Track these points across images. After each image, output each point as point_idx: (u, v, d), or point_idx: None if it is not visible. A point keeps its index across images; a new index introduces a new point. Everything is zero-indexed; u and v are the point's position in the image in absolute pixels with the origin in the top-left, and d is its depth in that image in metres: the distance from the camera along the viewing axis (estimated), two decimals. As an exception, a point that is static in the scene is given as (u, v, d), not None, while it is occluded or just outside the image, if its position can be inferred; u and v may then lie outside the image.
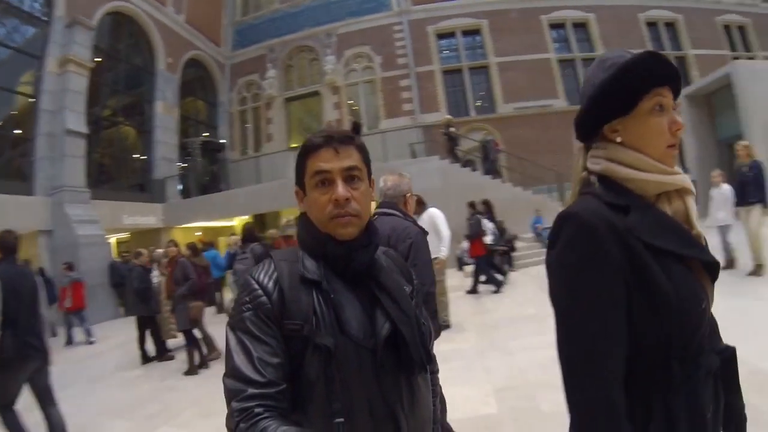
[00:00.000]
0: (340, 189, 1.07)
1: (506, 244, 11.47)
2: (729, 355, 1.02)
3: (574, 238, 0.94)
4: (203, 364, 6.50)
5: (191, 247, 8.23)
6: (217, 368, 6.07)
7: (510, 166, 18.08)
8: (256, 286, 1.03)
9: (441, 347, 5.37)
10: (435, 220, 6.38)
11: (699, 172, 15.25)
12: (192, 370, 6.29)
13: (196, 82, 21.83)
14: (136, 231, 16.98)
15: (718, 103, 15.49)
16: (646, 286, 0.91)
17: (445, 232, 6.38)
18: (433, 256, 5.91)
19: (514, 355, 5.11)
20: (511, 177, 17.02)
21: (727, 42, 24.22)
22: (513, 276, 10.56)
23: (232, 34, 23.47)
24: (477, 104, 20.70)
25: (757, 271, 6.86)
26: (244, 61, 22.98)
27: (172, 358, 7.31)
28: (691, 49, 23.04)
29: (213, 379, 5.65)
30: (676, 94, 1.02)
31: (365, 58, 21.22)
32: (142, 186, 18.06)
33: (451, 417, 3.16)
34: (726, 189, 7.52)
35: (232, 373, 0.96)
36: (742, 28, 24.91)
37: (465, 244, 10.79)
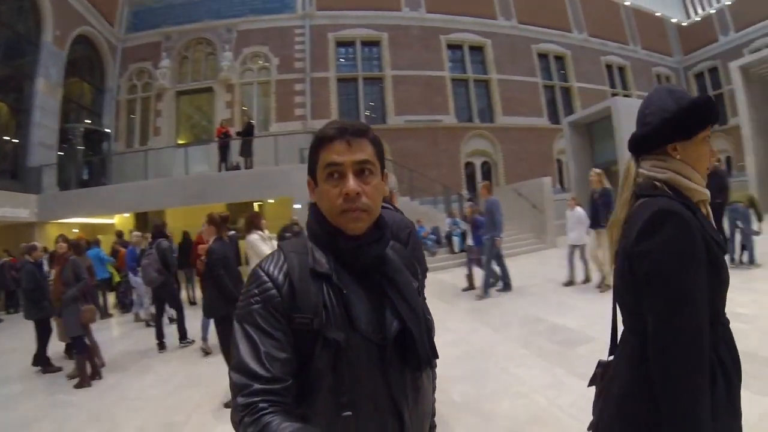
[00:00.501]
0: (351, 183, 1.07)
1: None
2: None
3: (680, 230, 1.15)
4: (96, 374, 5.85)
5: (74, 244, 7.31)
6: (113, 379, 5.74)
7: (398, 176, 18.50)
8: (266, 278, 1.02)
9: None
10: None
11: (578, 192, 16.48)
12: (84, 382, 5.61)
13: (84, 62, 19.96)
14: (4, 225, 14.75)
15: (597, 132, 17.13)
16: (716, 268, 1.18)
17: None
18: None
19: None
20: (398, 188, 17.31)
21: (608, 79, 26.65)
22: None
23: (127, 15, 21.90)
24: (367, 113, 21.16)
25: (603, 287, 7.57)
26: (138, 46, 21.56)
27: (59, 369, 6.42)
28: (576, 82, 25.07)
29: (110, 392, 5.29)
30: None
31: (262, 58, 20.94)
32: (13, 173, 16.02)
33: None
34: (579, 211, 8.36)
35: (238, 367, 0.95)
36: (621, 69, 27.64)
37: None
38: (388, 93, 21.16)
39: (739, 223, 7.84)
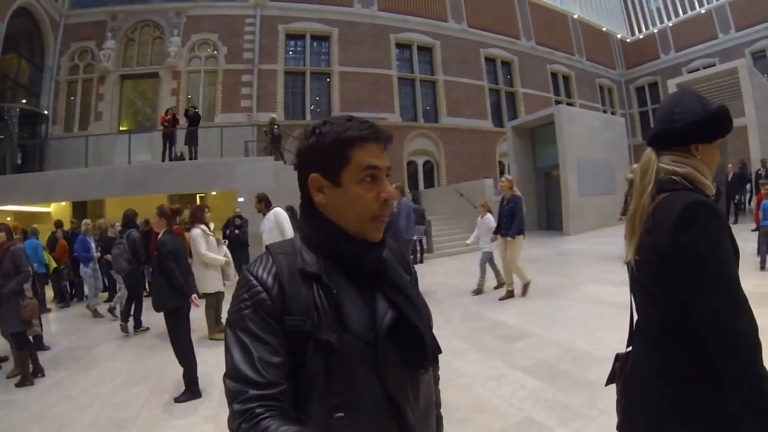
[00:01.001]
0: (390, 188, 1.08)
1: None
2: None
3: (714, 220, 1.26)
4: (38, 371, 5.53)
5: (5, 229, 6.38)
6: (56, 376, 5.50)
7: None
8: (255, 282, 1.01)
9: None
10: (280, 219, 6.63)
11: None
12: (26, 380, 5.31)
13: (23, 36, 18.95)
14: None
15: (540, 137, 17.87)
16: (736, 255, 1.29)
17: (290, 232, 6.58)
18: None
19: None
20: None
21: (553, 87, 27.94)
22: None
23: (72, -11, 20.82)
24: (312, 108, 21.37)
25: (506, 296, 7.61)
26: (82, 23, 20.53)
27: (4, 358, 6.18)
28: (521, 87, 26.17)
29: (55, 390, 5.04)
30: None
31: (211, 46, 20.71)
32: (-63, 154, 15.18)
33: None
34: (489, 218, 8.40)
35: (232, 373, 0.95)
36: (566, 78, 29.02)
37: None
38: (334, 89, 21.35)
39: None
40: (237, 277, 7.11)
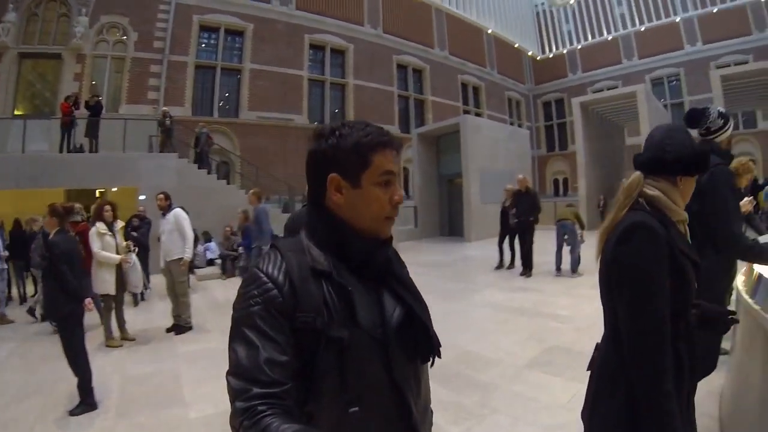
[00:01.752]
0: (402, 192, 1.16)
1: (234, 249, 11.99)
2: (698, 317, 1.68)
3: (650, 240, 1.43)
4: None
5: None
6: None
7: (244, 173, 18.67)
8: (266, 279, 1.03)
9: (187, 348, 5.68)
10: (180, 220, 6.58)
11: (420, 200, 18.95)
12: None
13: None
14: None
15: (444, 145, 18.85)
16: (678, 272, 1.44)
17: (190, 233, 6.65)
18: (177, 257, 6.54)
19: None
20: (243, 184, 17.28)
21: (462, 96, 29.92)
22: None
23: (-31, -48, 19.30)
24: (221, 104, 21.50)
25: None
26: None
27: None
28: (431, 95, 27.82)
29: None
30: None
31: (120, 30, 19.70)
32: None
33: (210, 413, 3.90)
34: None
35: (236, 371, 0.95)
36: (476, 89, 31.18)
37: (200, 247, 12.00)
38: (244, 86, 21.42)
39: (566, 237, 8.97)
40: (142, 286, 7.24)
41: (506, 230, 10.29)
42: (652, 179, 1.60)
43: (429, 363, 1.19)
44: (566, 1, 34.54)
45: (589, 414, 1.58)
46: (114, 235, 6.30)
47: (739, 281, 2.98)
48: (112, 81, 19.75)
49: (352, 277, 1.09)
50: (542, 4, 35.04)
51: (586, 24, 34.74)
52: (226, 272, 11.74)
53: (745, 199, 3.79)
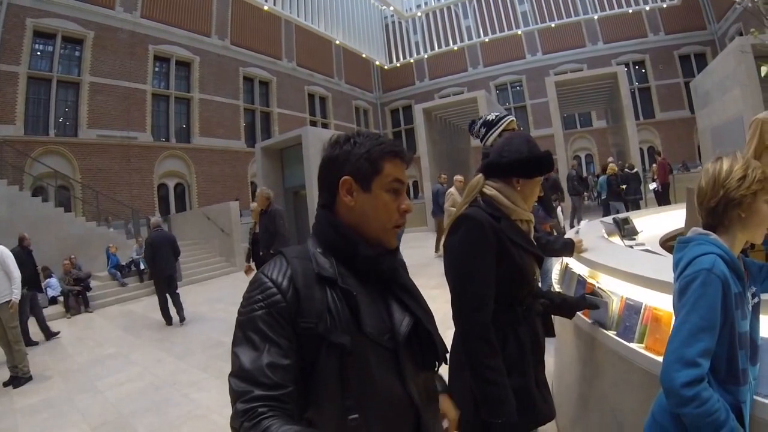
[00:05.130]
0: (409, 201, 1.31)
1: (78, 283, 11.94)
2: (546, 306, 2.12)
3: (473, 230, 1.81)
4: None
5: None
6: None
7: (85, 198, 18.55)
8: (270, 284, 1.13)
9: (26, 401, 5.68)
10: (4, 258, 6.27)
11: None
12: None
13: None
14: None
15: (288, 158, 19.41)
16: (508, 261, 1.83)
17: (17, 273, 6.33)
18: (3, 300, 6.17)
19: (104, 393, 5.68)
20: (85, 210, 17.53)
21: (309, 107, 33.00)
22: (90, 317, 11.20)
23: None
24: (60, 120, 20.59)
25: None
26: None
27: None
28: (278, 107, 30.37)
29: None
30: None
31: None
32: None
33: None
34: None
35: (238, 373, 1.04)
36: (323, 99, 34.71)
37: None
38: (83, 102, 20.69)
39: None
40: None
41: None
42: (493, 181, 1.99)
43: (437, 370, 1.35)
44: (414, 14, 38.70)
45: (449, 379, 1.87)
46: None
47: (555, 271, 3.72)
48: None
49: (358, 285, 1.21)
50: (391, 16, 38.87)
51: (434, 35, 39.30)
52: (71, 309, 11.55)
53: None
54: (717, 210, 1.49)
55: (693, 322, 1.34)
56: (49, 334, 9.04)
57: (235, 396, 1.02)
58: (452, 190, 9.78)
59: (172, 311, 9.22)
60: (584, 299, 2.33)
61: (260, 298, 1.12)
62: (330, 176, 1.28)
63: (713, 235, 1.49)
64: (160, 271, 9.22)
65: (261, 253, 7.36)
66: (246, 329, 1.09)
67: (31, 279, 8.25)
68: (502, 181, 1.99)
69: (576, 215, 14.32)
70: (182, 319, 9.12)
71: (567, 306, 2.28)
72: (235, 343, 1.10)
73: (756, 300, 1.54)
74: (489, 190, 1.98)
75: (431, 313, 1.33)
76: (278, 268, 1.18)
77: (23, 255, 8.08)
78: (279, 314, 1.09)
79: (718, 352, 1.38)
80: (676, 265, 1.53)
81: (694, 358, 1.31)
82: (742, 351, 1.42)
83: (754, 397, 1.52)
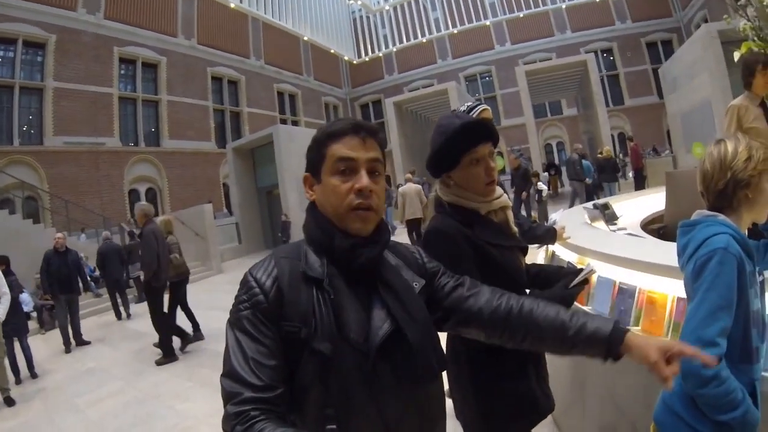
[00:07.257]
0: (365, 178, 1.18)
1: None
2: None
3: (440, 241, 1.75)
4: None
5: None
6: None
7: (54, 208, 18.31)
8: (254, 284, 1.11)
9: (4, 425, 5.47)
10: None
11: (241, 215, 20.21)
12: None
13: None
14: None
15: (260, 157, 20.09)
16: (489, 263, 1.75)
17: (5, 289, 6.29)
18: None
19: (84, 412, 5.55)
20: (54, 221, 17.36)
21: (278, 105, 33.44)
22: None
23: None
24: (24, 129, 20.48)
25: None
26: None
27: None
28: (247, 107, 30.71)
29: None
30: (495, 142, 1.83)
31: None
32: None
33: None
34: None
35: (229, 374, 1.04)
36: (293, 96, 35.12)
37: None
38: (47, 108, 20.48)
39: None
40: None
41: None
42: (439, 182, 1.90)
43: (420, 386, 1.18)
44: (382, 7, 39.31)
45: (449, 377, 1.86)
46: None
47: (541, 260, 3.65)
48: None
49: (346, 286, 1.16)
50: (359, 10, 39.42)
51: (402, 28, 40.20)
52: (45, 325, 11.24)
53: None
54: (726, 192, 1.51)
55: (712, 301, 1.36)
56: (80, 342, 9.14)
57: (227, 397, 1.02)
58: (405, 186, 10.26)
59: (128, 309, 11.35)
60: (568, 291, 2.00)
61: (245, 298, 1.11)
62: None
63: (722, 216, 1.51)
64: (109, 275, 11.26)
65: (142, 279, 7.32)
66: (234, 329, 1.10)
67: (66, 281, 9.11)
68: (442, 181, 1.89)
69: (577, 200, 13.86)
70: (128, 315, 11.22)
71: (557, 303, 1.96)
72: (226, 343, 1.10)
73: (761, 278, 1.55)
74: (446, 196, 1.87)
75: (422, 317, 1.20)
76: (264, 267, 1.16)
77: (55, 257, 9.15)
78: (262, 315, 1.08)
79: (732, 331, 1.39)
80: (683, 248, 1.56)
81: (713, 337, 1.33)
82: (755, 329, 1.45)
83: (762, 373, 1.53)
